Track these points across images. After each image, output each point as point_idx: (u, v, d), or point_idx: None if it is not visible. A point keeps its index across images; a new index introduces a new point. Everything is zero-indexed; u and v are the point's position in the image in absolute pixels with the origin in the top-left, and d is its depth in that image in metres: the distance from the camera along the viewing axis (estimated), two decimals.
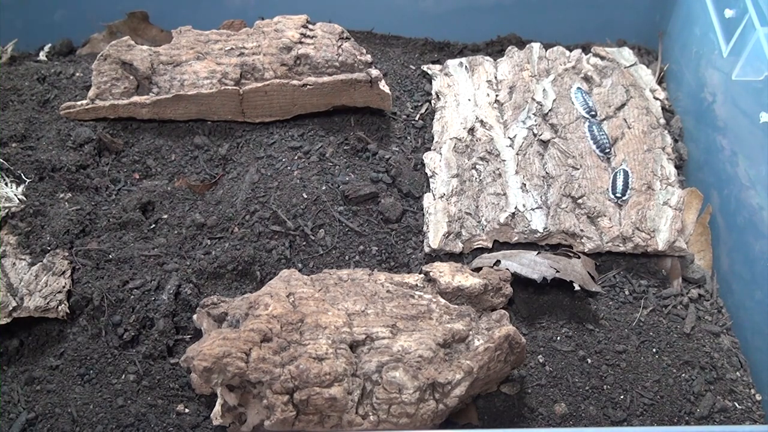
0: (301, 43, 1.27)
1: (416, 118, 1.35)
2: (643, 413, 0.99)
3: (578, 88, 1.32)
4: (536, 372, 1.02)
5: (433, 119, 1.33)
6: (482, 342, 0.92)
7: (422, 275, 1.04)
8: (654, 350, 1.05)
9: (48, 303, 1.02)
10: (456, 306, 0.98)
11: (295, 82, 1.24)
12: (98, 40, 1.51)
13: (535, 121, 1.26)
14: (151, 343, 1.02)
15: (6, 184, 1.15)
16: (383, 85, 1.27)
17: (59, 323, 1.04)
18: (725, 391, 1.02)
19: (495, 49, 1.52)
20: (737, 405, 1.01)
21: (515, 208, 1.16)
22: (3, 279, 1.03)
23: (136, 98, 1.26)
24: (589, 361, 1.03)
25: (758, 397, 1.03)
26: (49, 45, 1.52)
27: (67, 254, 1.10)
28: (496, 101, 1.33)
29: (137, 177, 1.23)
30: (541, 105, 1.28)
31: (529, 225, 1.14)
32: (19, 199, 1.14)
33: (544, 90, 1.31)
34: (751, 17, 1.14)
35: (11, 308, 1.01)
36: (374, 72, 1.26)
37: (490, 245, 1.16)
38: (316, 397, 0.84)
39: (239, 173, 1.22)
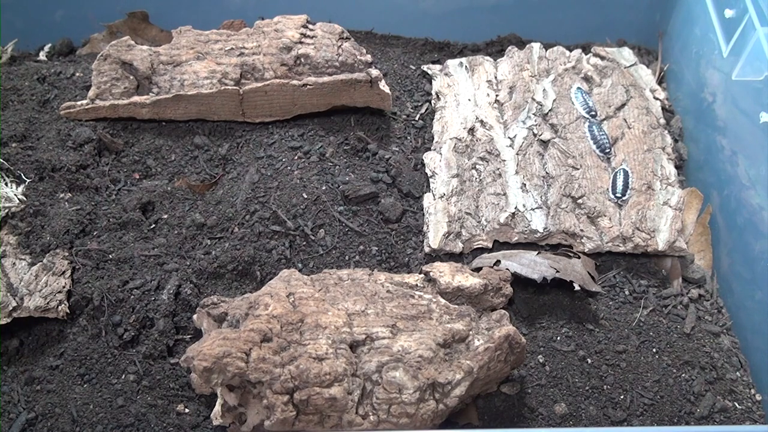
0: (301, 43, 1.27)
1: (416, 118, 1.35)
2: (643, 413, 0.99)
3: (578, 88, 1.32)
4: (536, 372, 1.02)
5: (433, 119, 1.33)
6: (482, 342, 0.92)
7: (422, 275, 1.03)
8: (654, 350, 1.05)
9: (48, 303, 1.02)
10: (456, 306, 0.98)
11: (295, 82, 1.24)
12: (98, 40, 1.51)
13: (535, 121, 1.26)
14: (151, 343, 1.02)
15: (6, 184, 1.15)
16: (383, 85, 1.27)
17: (59, 323, 1.04)
18: (725, 391, 1.02)
19: (495, 49, 1.52)
20: (737, 405, 1.01)
21: (515, 208, 1.16)
22: (3, 279, 1.03)
23: (136, 98, 1.26)
24: (589, 361, 1.03)
25: (758, 397, 1.03)
26: (49, 45, 1.52)
27: (67, 254, 1.10)
28: (496, 101, 1.33)
29: (137, 177, 1.23)
30: (541, 105, 1.28)
31: (529, 225, 1.14)
32: (19, 199, 1.14)
33: (544, 90, 1.31)
34: (751, 17, 1.14)
35: (11, 308, 1.01)
36: (374, 72, 1.26)
37: (490, 245, 1.16)
38: (316, 397, 0.84)
39: (239, 173, 1.22)
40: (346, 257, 1.13)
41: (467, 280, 1.01)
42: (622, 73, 1.35)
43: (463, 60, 1.42)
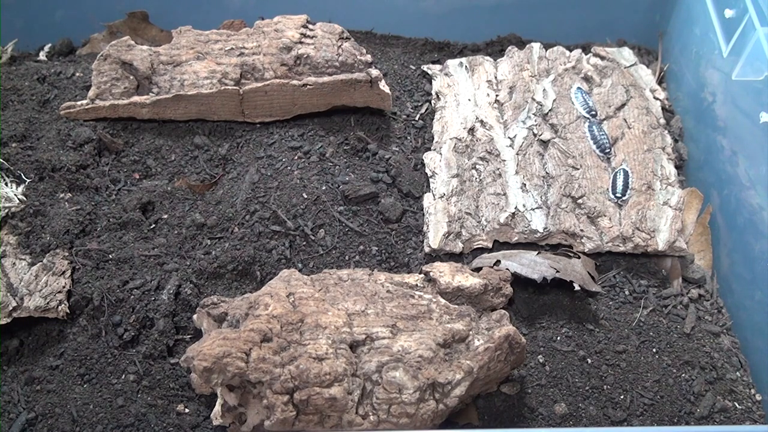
0: (301, 43, 1.27)
1: (416, 118, 1.35)
2: (643, 413, 0.99)
3: (578, 88, 1.32)
4: (536, 372, 1.02)
5: (433, 119, 1.33)
6: (482, 342, 0.92)
7: (422, 275, 1.03)
8: (654, 350, 1.05)
9: (48, 303, 1.02)
10: (456, 306, 0.98)
11: (295, 82, 1.24)
12: (98, 40, 1.51)
13: (535, 121, 1.26)
14: (151, 343, 1.02)
15: (6, 184, 1.15)
16: (383, 85, 1.27)
17: (59, 323, 1.04)
18: (725, 391, 1.02)
19: (495, 49, 1.52)
20: (737, 405, 1.01)
21: (515, 208, 1.16)
22: (3, 279, 1.03)
23: (136, 98, 1.26)
24: (589, 361, 1.03)
25: (758, 397, 1.03)
26: (49, 45, 1.52)
27: (67, 254, 1.10)
28: (496, 101, 1.33)
29: (137, 177, 1.23)
30: (541, 105, 1.28)
31: (529, 225, 1.14)
32: (19, 199, 1.14)
33: (544, 90, 1.31)
34: (751, 17, 1.14)
35: (11, 308, 1.01)
36: (374, 72, 1.26)
37: (490, 245, 1.16)
38: (316, 397, 0.84)
39: (239, 173, 1.22)
40: (346, 257, 1.13)
41: (467, 280, 1.01)
42: (622, 73, 1.35)
43: (463, 60, 1.42)
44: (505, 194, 1.18)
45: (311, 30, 1.30)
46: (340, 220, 1.16)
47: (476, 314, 0.98)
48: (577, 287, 1.07)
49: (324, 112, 1.30)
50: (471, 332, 0.94)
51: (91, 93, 1.27)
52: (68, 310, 1.04)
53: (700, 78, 1.32)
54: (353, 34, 1.45)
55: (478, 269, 1.06)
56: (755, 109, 1.13)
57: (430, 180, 1.21)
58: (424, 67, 1.44)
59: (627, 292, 1.12)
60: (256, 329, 0.88)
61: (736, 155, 1.19)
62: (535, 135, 1.25)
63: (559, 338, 1.06)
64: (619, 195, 1.17)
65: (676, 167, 1.25)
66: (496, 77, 1.37)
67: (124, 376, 1.00)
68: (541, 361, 1.03)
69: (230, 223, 1.15)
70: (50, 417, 0.97)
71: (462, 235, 1.15)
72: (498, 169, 1.21)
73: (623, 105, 1.30)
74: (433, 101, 1.37)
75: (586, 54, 1.41)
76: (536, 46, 1.41)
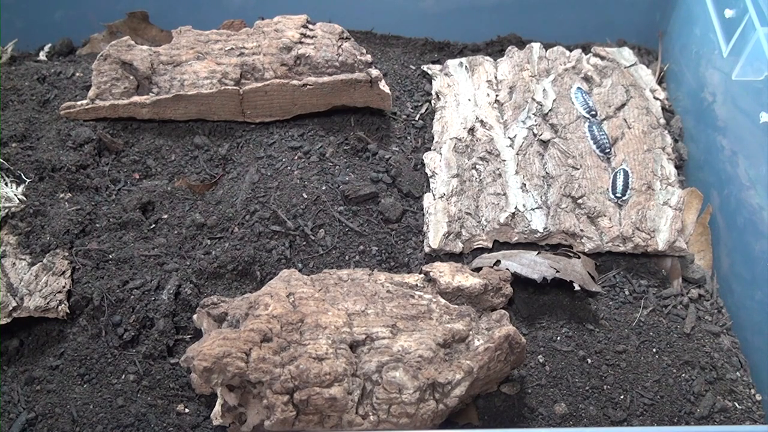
0: (301, 43, 1.27)
1: (416, 118, 1.35)
2: (643, 413, 0.99)
3: (578, 88, 1.32)
4: (536, 372, 1.02)
5: (433, 119, 1.33)
6: (482, 342, 0.92)
7: (422, 275, 1.03)
8: (654, 350, 1.05)
9: (48, 303, 1.02)
10: (456, 306, 0.98)
11: (295, 82, 1.24)
12: (98, 40, 1.51)
13: (535, 121, 1.26)
14: (151, 343, 1.02)
15: (6, 184, 1.15)
16: (383, 85, 1.27)
17: (59, 323, 1.04)
18: (725, 391, 1.02)
19: (495, 49, 1.52)
20: (737, 405, 1.01)
21: (515, 208, 1.16)
22: (3, 279, 1.03)
23: (136, 98, 1.26)
24: (589, 361, 1.03)
25: (758, 397, 1.03)
26: (49, 45, 1.52)
27: (67, 254, 1.10)
28: (496, 101, 1.33)
29: (137, 177, 1.23)
30: (541, 105, 1.28)
31: (529, 225, 1.14)
32: (19, 199, 1.14)
33: (544, 90, 1.31)
34: (751, 17, 1.14)
35: (11, 308, 1.01)
36: (374, 72, 1.26)
37: (490, 245, 1.16)
38: (316, 397, 0.84)
39: (239, 173, 1.22)
40: (346, 257, 1.13)
41: (467, 280, 1.01)
42: (622, 73, 1.35)
43: (463, 60, 1.42)
44: (505, 194, 1.18)
45: (311, 30, 1.30)
46: (340, 220, 1.16)
47: (476, 314, 0.98)
48: (577, 287, 1.07)
49: (324, 112, 1.30)
50: (471, 332, 0.94)
51: (91, 93, 1.27)
52: (68, 310, 1.04)
53: (700, 78, 1.32)
54: (353, 34, 1.45)
55: (478, 269, 1.06)
56: (755, 109, 1.13)
57: (430, 180, 1.21)
58: (424, 67, 1.44)
59: (627, 292, 1.12)
60: (256, 329, 0.88)
61: (736, 155, 1.19)
62: (535, 135, 1.25)
63: (559, 338, 1.06)
64: (619, 195, 1.17)
65: (676, 167, 1.25)
66: (496, 77, 1.37)
67: (124, 376, 1.01)
68: (541, 361, 1.03)
69: (230, 223, 1.15)
70: (50, 417, 0.97)
71: (462, 235, 1.15)
72: (498, 169, 1.21)
73: (623, 105, 1.30)
74: (433, 101, 1.37)
75: (586, 54, 1.41)
76: (536, 46, 1.41)
